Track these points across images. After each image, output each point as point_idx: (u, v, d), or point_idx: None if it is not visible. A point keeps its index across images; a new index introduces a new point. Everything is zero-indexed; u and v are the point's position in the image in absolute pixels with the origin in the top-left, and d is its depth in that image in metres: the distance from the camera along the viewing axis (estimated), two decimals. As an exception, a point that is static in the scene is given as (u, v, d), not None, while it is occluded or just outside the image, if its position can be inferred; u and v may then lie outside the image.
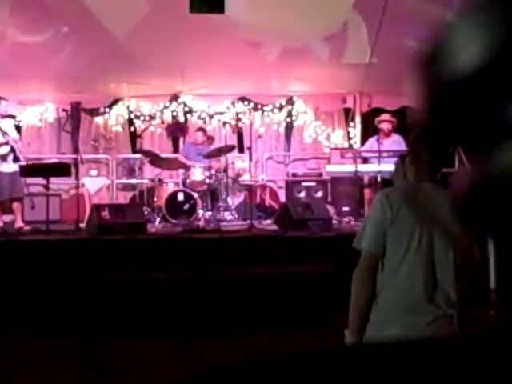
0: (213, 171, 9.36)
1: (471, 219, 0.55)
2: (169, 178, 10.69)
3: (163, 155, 10.19)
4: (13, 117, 9.19)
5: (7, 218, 9.06)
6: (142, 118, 11.32)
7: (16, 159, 8.50)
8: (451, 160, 9.53)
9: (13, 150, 8.48)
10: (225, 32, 9.48)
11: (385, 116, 9.50)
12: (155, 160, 9.57)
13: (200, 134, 10.15)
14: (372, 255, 2.80)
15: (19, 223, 8.59)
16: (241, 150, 11.13)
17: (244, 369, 0.56)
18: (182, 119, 11.38)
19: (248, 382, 0.55)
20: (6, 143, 8.42)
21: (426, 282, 2.73)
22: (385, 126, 9.27)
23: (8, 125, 8.73)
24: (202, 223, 8.79)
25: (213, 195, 9.43)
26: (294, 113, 11.55)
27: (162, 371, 4.90)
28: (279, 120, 11.62)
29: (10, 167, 8.46)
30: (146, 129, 11.36)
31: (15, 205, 8.68)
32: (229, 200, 9.49)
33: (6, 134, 8.45)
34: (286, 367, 0.56)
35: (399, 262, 2.74)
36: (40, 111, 11.10)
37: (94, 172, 10.81)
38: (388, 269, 2.77)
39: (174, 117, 11.33)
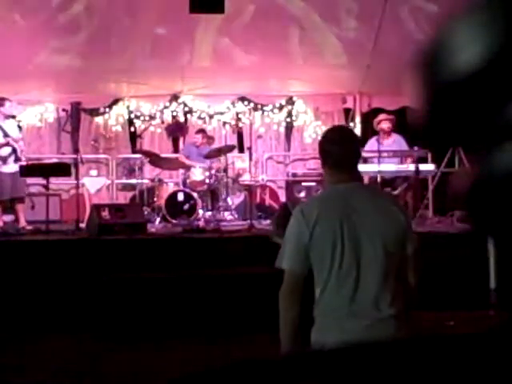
0: (213, 171, 9.36)
1: (471, 219, 0.55)
2: (169, 178, 10.70)
3: (163, 155, 10.20)
4: (13, 117, 9.18)
5: (7, 217, 9.07)
6: (141, 118, 11.32)
7: (18, 160, 8.50)
8: (451, 160, 9.54)
9: (14, 150, 8.49)
10: (225, 32, 9.49)
11: (383, 115, 9.49)
12: (155, 160, 9.57)
13: (199, 136, 10.15)
14: (293, 274, 2.74)
15: (22, 223, 8.60)
16: (241, 150, 11.13)
17: (244, 369, 0.56)
18: (182, 119, 11.38)
19: (248, 382, 0.55)
20: (7, 144, 8.43)
21: (356, 287, 2.65)
22: (385, 126, 9.26)
23: (11, 125, 8.73)
24: (201, 223, 8.79)
25: (213, 195, 9.43)
26: (294, 113, 11.55)
27: (162, 371, 4.90)
28: (279, 120, 11.62)
29: (12, 168, 8.46)
30: (145, 129, 11.36)
31: (18, 205, 8.69)
32: (229, 200, 9.49)
33: (6, 135, 8.45)
34: (285, 367, 0.56)
35: (327, 274, 2.68)
36: (40, 111, 11.09)
37: (93, 172, 10.81)
38: (318, 281, 2.72)
39: (174, 117, 11.33)
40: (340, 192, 2.77)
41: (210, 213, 9.19)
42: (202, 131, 10.33)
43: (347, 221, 2.68)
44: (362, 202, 2.74)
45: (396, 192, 8.75)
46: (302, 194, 10.40)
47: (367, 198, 2.79)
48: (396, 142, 9.21)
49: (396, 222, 2.74)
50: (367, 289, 2.66)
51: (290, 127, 11.75)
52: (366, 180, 9.51)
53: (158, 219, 8.93)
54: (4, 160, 8.44)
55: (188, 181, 9.33)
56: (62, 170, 8.71)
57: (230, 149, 9.73)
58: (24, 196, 8.88)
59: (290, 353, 2.71)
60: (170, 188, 9.54)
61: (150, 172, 10.38)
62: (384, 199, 2.93)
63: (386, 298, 2.67)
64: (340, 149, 2.76)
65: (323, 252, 2.68)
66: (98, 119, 11.40)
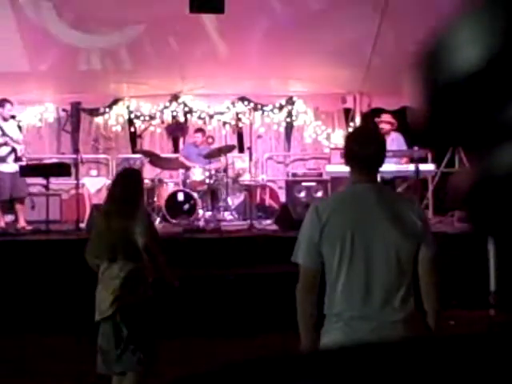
0: (213, 171, 9.36)
1: (471, 219, 0.55)
2: (169, 178, 10.70)
3: (163, 155, 10.20)
4: (13, 117, 9.19)
5: (7, 217, 9.07)
6: (142, 117, 11.32)
7: (18, 160, 8.51)
8: (451, 160, 9.54)
9: (14, 150, 8.49)
10: (225, 32, 9.49)
11: (384, 117, 9.49)
12: (155, 160, 9.58)
13: (199, 135, 10.16)
14: (308, 270, 2.74)
15: (22, 223, 8.60)
16: (241, 150, 11.14)
17: (244, 369, 0.56)
18: (182, 119, 11.38)
19: (248, 382, 0.55)
20: (5, 144, 8.44)
21: (365, 289, 2.64)
22: (385, 127, 9.27)
23: (11, 126, 8.75)
24: (202, 223, 8.80)
25: (213, 195, 9.43)
26: (294, 113, 11.55)
27: (162, 371, 4.89)
28: (279, 120, 11.63)
29: (11, 167, 8.46)
30: (145, 129, 11.37)
31: (18, 205, 8.69)
32: (229, 200, 9.49)
33: (4, 135, 8.46)
34: (285, 367, 0.56)
35: (336, 272, 2.67)
36: (40, 111, 11.09)
37: (94, 172, 10.81)
38: (328, 279, 2.72)
39: (173, 117, 11.34)
40: (356, 192, 2.77)
41: (209, 213, 9.19)
42: (201, 130, 10.34)
43: (360, 221, 2.68)
44: (378, 203, 2.72)
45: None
46: (302, 194, 10.40)
47: (384, 199, 2.77)
48: (394, 140, 9.21)
49: (411, 226, 2.71)
50: (376, 291, 2.64)
51: (290, 127, 11.76)
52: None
53: (158, 219, 8.93)
54: (3, 159, 8.45)
55: (188, 181, 9.34)
56: (62, 169, 8.72)
57: (229, 149, 9.73)
58: (25, 196, 8.88)
59: (309, 349, 2.70)
60: (169, 188, 9.55)
61: (150, 172, 10.38)
62: (401, 202, 2.89)
63: (396, 301, 2.65)
64: (362, 149, 2.75)
65: (333, 251, 2.68)
66: (98, 119, 11.40)
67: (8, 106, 8.63)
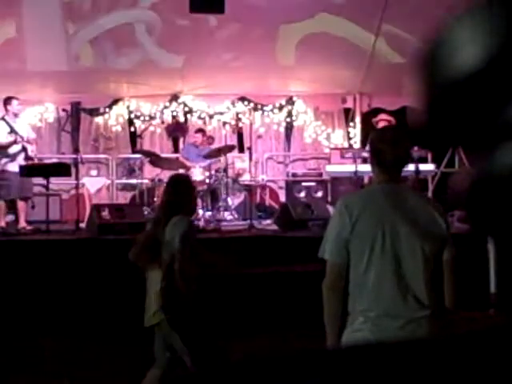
0: (213, 171, 9.35)
1: (471, 219, 0.55)
2: (169, 178, 10.68)
3: (163, 155, 10.20)
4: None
5: (7, 217, 9.06)
6: (142, 118, 11.32)
7: (29, 159, 8.50)
8: (451, 160, 9.54)
9: (24, 149, 8.48)
10: (225, 32, 9.49)
11: (382, 115, 9.48)
12: (155, 160, 9.57)
13: (199, 135, 10.16)
14: (336, 265, 2.75)
15: (22, 223, 8.60)
16: (241, 150, 11.13)
17: (244, 369, 0.56)
18: (182, 119, 11.38)
19: (248, 382, 0.55)
20: (15, 142, 8.43)
21: (394, 286, 2.66)
22: (382, 125, 9.26)
23: (22, 125, 8.75)
24: (202, 223, 8.79)
25: (213, 195, 9.43)
26: (294, 113, 11.55)
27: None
28: (279, 120, 11.62)
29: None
30: (145, 129, 11.36)
31: (20, 204, 8.68)
32: (229, 200, 9.49)
33: (14, 132, 8.44)
34: (285, 367, 0.56)
35: (364, 269, 2.68)
36: (40, 111, 11.09)
37: (94, 172, 10.81)
38: (354, 277, 2.72)
39: (174, 117, 11.33)
40: (385, 191, 2.79)
41: (209, 213, 9.18)
42: (201, 130, 10.34)
43: (389, 220, 2.69)
44: (406, 203, 2.75)
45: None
46: (302, 194, 10.40)
47: (411, 200, 2.79)
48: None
49: (437, 227, 2.75)
50: (403, 289, 2.67)
51: (290, 127, 11.76)
52: (365, 180, 9.52)
53: (158, 219, 8.91)
54: (12, 158, 8.44)
55: (188, 181, 9.32)
56: (62, 169, 8.70)
57: (229, 149, 9.73)
58: (31, 196, 8.88)
59: (335, 346, 2.70)
60: (169, 188, 9.52)
61: (150, 172, 10.37)
62: (428, 204, 2.92)
63: (421, 299, 2.68)
64: (391, 149, 2.77)
65: (362, 248, 2.69)
66: (98, 119, 11.40)
67: (15, 102, 8.65)
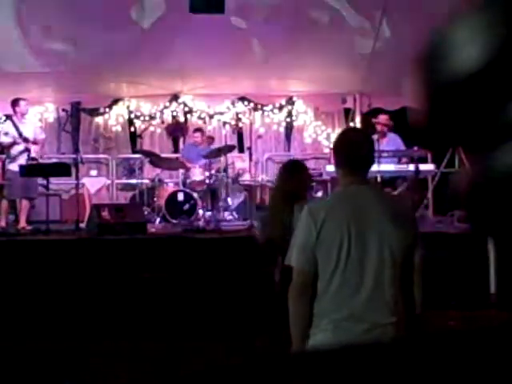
0: (213, 171, 9.36)
1: (471, 219, 0.55)
2: (169, 178, 10.69)
3: (163, 155, 10.20)
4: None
5: (7, 217, 9.06)
6: (142, 118, 11.32)
7: (31, 160, 8.54)
8: (451, 160, 9.54)
9: (27, 150, 8.53)
10: (225, 32, 9.49)
11: (381, 118, 9.48)
12: (155, 160, 9.57)
13: (198, 134, 10.17)
14: (303, 272, 2.72)
15: (22, 223, 8.60)
16: (241, 150, 11.13)
17: (243, 369, 0.56)
18: (182, 119, 11.38)
19: (248, 382, 0.55)
20: (14, 143, 8.48)
21: (360, 290, 2.64)
22: (382, 128, 9.27)
23: (27, 126, 8.81)
24: (202, 223, 8.79)
25: (213, 195, 9.43)
26: (294, 113, 11.55)
27: (162, 371, 4.90)
28: (279, 120, 11.63)
29: None
30: (146, 129, 11.36)
31: (24, 204, 8.71)
32: (229, 200, 9.49)
33: (19, 133, 8.49)
34: (285, 367, 0.56)
35: (331, 273, 2.66)
36: (40, 111, 11.09)
37: (93, 172, 10.81)
38: (321, 280, 2.70)
39: (174, 117, 11.34)
40: (350, 194, 2.77)
41: (209, 213, 9.18)
42: (200, 130, 10.35)
43: (355, 223, 2.67)
44: (372, 205, 2.72)
45: (396, 192, 8.75)
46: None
47: (377, 201, 2.77)
48: (391, 140, 9.21)
49: (405, 228, 2.73)
50: (370, 293, 2.64)
51: (290, 127, 11.76)
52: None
53: (158, 219, 8.93)
54: (14, 158, 8.48)
55: (188, 181, 9.34)
56: (62, 169, 8.72)
57: (229, 149, 9.73)
58: (35, 197, 8.92)
59: (300, 349, 2.70)
60: (170, 188, 9.54)
61: (150, 172, 10.38)
62: (394, 204, 2.91)
63: (388, 303, 2.66)
64: (356, 151, 2.76)
65: (329, 252, 2.67)
66: (98, 119, 11.40)
67: (22, 102, 8.78)
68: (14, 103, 8.78)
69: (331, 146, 11.88)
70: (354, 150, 2.76)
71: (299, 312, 2.74)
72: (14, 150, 8.52)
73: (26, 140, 8.54)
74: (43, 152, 9.79)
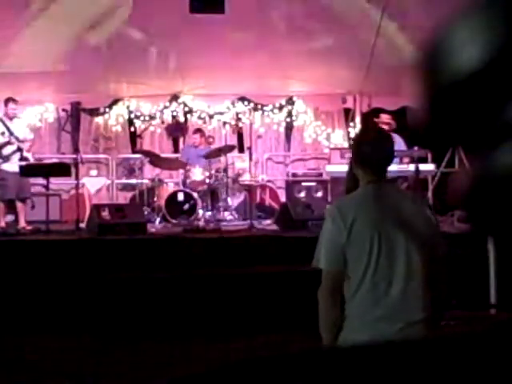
0: (213, 171, 9.35)
1: (471, 219, 0.55)
2: (169, 178, 10.70)
3: (163, 155, 10.20)
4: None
5: (7, 217, 9.06)
6: (142, 118, 11.33)
7: (24, 159, 8.53)
8: (451, 160, 9.54)
9: (19, 150, 8.52)
10: (225, 32, 9.49)
11: (383, 118, 9.48)
12: (155, 160, 9.57)
13: (197, 135, 10.17)
14: (331, 274, 2.69)
15: (22, 223, 8.60)
16: (241, 150, 11.13)
17: (243, 369, 0.56)
18: (182, 119, 11.38)
19: (248, 382, 0.55)
20: (9, 143, 8.46)
21: (391, 290, 2.63)
22: (384, 128, 9.25)
23: (18, 125, 8.78)
24: (202, 223, 8.79)
25: (213, 195, 9.43)
26: (294, 113, 11.55)
27: (163, 371, 4.90)
28: (279, 120, 11.63)
29: (16, 167, 8.46)
30: (146, 129, 11.37)
31: (20, 205, 8.70)
32: (229, 200, 9.49)
33: (9, 133, 8.47)
34: (285, 367, 0.56)
35: (362, 274, 2.64)
36: (40, 111, 11.09)
37: (93, 172, 10.81)
38: (351, 281, 2.67)
39: (174, 117, 11.34)
40: (375, 193, 2.75)
41: (209, 213, 9.18)
42: (199, 131, 10.34)
43: (383, 222, 2.66)
44: (397, 203, 2.72)
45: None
46: (302, 194, 10.40)
47: (401, 200, 2.77)
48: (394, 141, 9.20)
49: (429, 225, 2.73)
50: (401, 292, 2.63)
51: (290, 127, 11.76)
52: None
53: (158, 219, 8.93)
54: (6, 158, 8.46)
55: (188, 181, 9.33)
56: (62, 169, 8.72)
57: (229, 149, 9.73)
58: (29, 197, 8.90)
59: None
60: (170, 188, 9.54)
61: (150, 172, 10.38)
62: (417, 202, 2.91)
63: (419, 301, 2.65)
64: (378, 152, 2.76)
65: (360, 252, 2.63)
66: (98, 119, 11.40)
67: (11, 104, 8.71)
68: (4, 103, 8.78)
69: (331, 145, 11.94)
70: (376, 149, 2.76)
71: (330, 315, 2.70)
72: (7, 150, 8.49)
73: (18, 139, 8.54)
74: (37, 151, 9.79)
